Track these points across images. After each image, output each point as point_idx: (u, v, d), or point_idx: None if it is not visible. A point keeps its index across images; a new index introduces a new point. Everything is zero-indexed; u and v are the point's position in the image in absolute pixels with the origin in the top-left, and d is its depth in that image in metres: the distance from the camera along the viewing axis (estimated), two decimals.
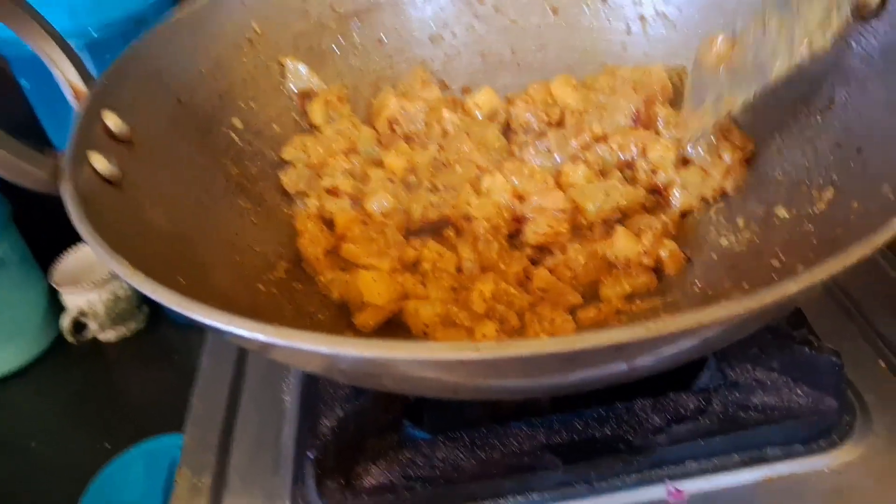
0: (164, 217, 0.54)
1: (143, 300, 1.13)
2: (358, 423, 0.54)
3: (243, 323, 0.35)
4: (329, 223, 0.64)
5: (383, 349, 0.33)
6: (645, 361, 0.37)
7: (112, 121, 0.55)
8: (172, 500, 0.56)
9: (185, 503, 0.56)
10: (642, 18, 0.74)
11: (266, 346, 0.36)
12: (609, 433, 0.53)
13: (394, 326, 0.57)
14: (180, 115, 0.63)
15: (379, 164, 0.68)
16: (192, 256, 0.54)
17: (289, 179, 0.67)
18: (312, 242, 0.61)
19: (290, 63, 0.72)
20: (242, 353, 0.67)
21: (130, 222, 0.50)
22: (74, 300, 1.06)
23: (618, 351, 0.33)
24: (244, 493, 0.56)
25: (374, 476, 0.53)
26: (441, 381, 0.39)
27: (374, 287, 0.54)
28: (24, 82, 0.96)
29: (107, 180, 0.51)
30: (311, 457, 0.51)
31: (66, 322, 1.05)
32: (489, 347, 0.31)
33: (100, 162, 0.51)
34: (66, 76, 0.57)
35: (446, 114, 0.70)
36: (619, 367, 0.37)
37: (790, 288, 0.33)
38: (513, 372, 0.35)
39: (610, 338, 0.32)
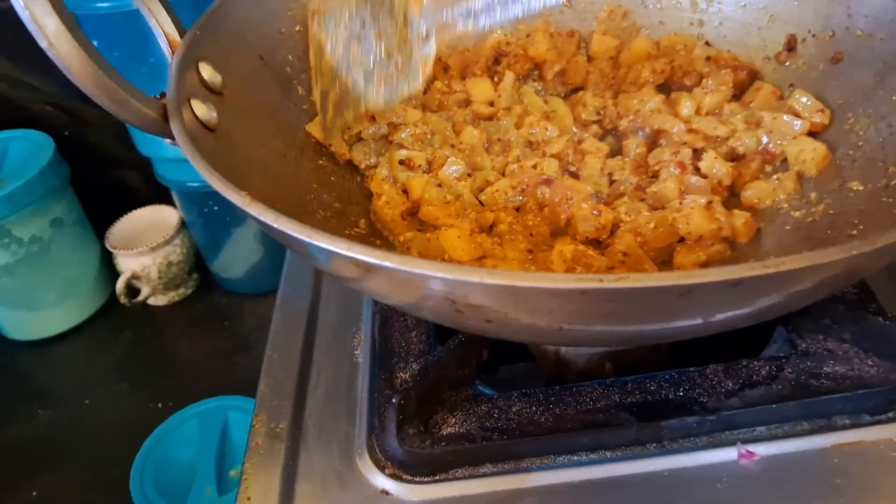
0: (255, 166, 0.56)
1: (195, 267, 1.16)
2: (433, 378, 0.55)
3: (367, 250, 0.36)
4: (402, 188, 0.66)
5: (506, 278, 0.34)
6: (747, 306, 0.38)
7: (207, 71, 0.57)
8: (251, 442, 0.58)
9: (264, 447, 0.57)
10: None
11: (386, 271, 0.37)
12: (682, 395, 0.54)
13: None
14: (262, 72, 0.65)
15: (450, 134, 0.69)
16: (281, 206, 0.55)
17: (357, 154, 0.68)
18: (389, 205, 0.62)
19: None
20: (314, 308, 0.69)
21: (227, 167, 0.51)
22: (128, 263, 1.09)
23: (734, 287, 0.34)
24: (321, 440, 0.58)
25: (451, 425, 0.54)
26: (544, 318, 0.40)
27: (459, 244, 0.55)
28: (94, 41, 0.98)
29: (206, 126, 0.53)
30: (395, 402, 0.52)
31: (119, 284, 1.07)
32: (612, 279, 0.33)
33: (200, 108, 0.53)
34: (162, 26, 0.59)
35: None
36: (720, 312, 0.38)
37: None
38: (626, 307, 0.36)
39: (725, 273, 0.33)
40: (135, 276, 1.11)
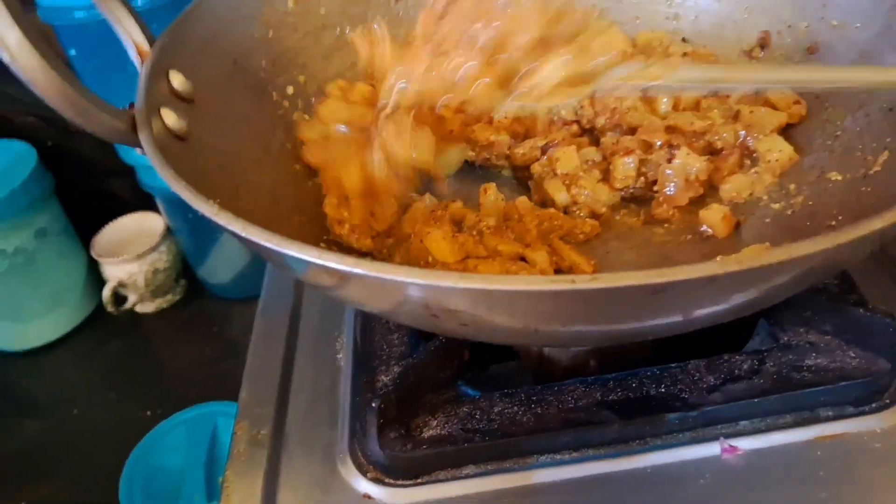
0: (228, 173, 0.56)
1: (182, 273, 1.16)
2: (415, 380, 0.55)
3: (339, 258, 0.36)
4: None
5: (478, 281, 0.34)
6: (724, 302, 0.38)
7: (177, 80, 0.56)
8: (233, 450, 0.57)
9: (246, 454, 0.57)
10: None
11: (358, 279, 0.37)
12: (664, 391, 0.54)
13: None
14: (236, 77, 0.64)
15: None
16: (255, 213, 0.55)
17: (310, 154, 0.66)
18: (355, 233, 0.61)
19: None
20: (295, 312, 0.69)
21: (199, 176, 0.51)
22: (114, 271, 1.08)
23: (709, 283, 0.34)
24: (303, 445, 0.57)
25: (433, 428, 0.54)
26: (516, 325, 0.40)
27: (444, 246, 0.55)
28: (71, 52, 0.98)
29: (175, 135, 0.52)
30: (375, 406, 0.52)
31: (106, 293, 1.07)
32: (585, 280, 0.32)
33: (170, 117, 0.52)
34: (132, 36, 0.58)
35: None
36: (695, 308, 0.38)
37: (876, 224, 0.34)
38: (601, 307, 0.36)
39: (697, 270, 0.33)
40: (121, 284, 1.11)
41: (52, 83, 0.45)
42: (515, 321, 0.38)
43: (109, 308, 1.08)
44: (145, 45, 0.58)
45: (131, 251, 1.06)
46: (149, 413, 0.99)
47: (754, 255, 0.32)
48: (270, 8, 0.70)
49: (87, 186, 1.05)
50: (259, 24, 0.68)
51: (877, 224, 0.33)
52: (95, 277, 1.14)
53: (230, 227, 0.39)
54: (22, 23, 0.44)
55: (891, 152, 0.53)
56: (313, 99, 0.71)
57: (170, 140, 0.52)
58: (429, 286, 0.35)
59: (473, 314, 0.38)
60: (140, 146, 0.48)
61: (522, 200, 0.64)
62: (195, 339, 1.11)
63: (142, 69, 0.56)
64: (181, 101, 0.56)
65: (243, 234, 0.39)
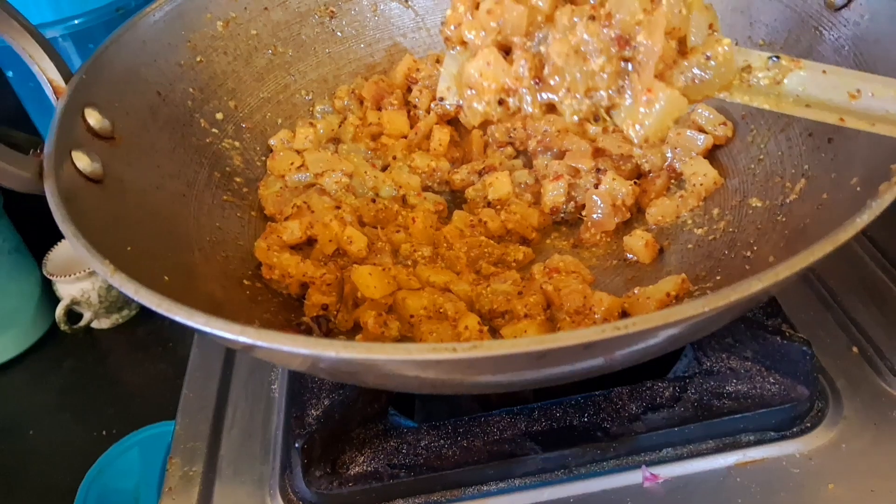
0: (148, 212, 0.55)
1: None
2: (343, 413, 0.55)
3: (225, 325, 0.36)
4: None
5: (363, 351, 0.34)
6: (615, 357, 0.38)
7: (94, 118, 0.56)
8: (164, 489, 0.57)
9: (178, 492, 0.57)
10: None
11: (249, 347, 0.37)
12: (587, 421, 0.54)
13: None
14: (160, 108, 0.63)
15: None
16: (176, 252, 0.54)
17: (272, 205, 0.65)
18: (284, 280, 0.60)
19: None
20: None
21: (114, 220, 0.51)
22: (68, 289, 1.07)
23: (586, 349, 0.34)
24: (234, 482, 0.57)
25: (359, 464, 0.54)
26: (421, 379, 0.40)
27: (371, 281, 0.55)
28: (9, 73, 0.96)
29: (89, 178, 0.52)
30: (298, 446, 0.52)
31: (59, 311, 1.06)
32: (463, 348, 0.32)
33: (82, 160, 0.52)
34: (46, 73, 0.57)
35: None
36: (590, 363, 0.38)
37: (754, 286, 0.34)
38: (488, 369, 0.36)
39: (578, 337, 0.33)
40: (75, 302, 1.09)
41: None
42: (410, 381, 0.38)
43: (63, 327, 1.06)
44: (61, 82, 0.57)
45: (84, 268, 1.05)
46: (104, 433, 0.98)
47: (630, 321, 0.32)
48: (199, 33, 0.69)
49: (39, 204, 1.03)
50: (186, 51, 0.68)
51: (755, 286, 0.33)
52: (49, 296, 1.12)
53: (123, 290, 0.39)
54: None
55: (807, 180, 0.53)
56: (244, 124, 0.70)
57: (83, 184, 0.51)
58: (316, 355, 0.35)
59: (373, 376, 0.38)
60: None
61: (458, 219, 0.64)
62: (150, 356, 1.10)
63: (56, 109, 0.55)
64: (99, 139, 0.56)
65: (135, 298, 0.38)
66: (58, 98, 0.56)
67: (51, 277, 1.06)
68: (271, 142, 0.70)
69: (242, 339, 0.35)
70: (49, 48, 0.58)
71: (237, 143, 0.68)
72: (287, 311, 0.57)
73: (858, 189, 0.45)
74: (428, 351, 0.33)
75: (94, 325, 1.11)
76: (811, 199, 0.51)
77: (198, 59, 0.68)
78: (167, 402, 0.87)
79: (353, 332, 0.56)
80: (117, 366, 1.11)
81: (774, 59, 0.44)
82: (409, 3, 0.78)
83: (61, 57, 0.59)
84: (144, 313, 1.17)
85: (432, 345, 0.33)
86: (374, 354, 0.34)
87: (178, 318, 0.37)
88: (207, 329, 0.36)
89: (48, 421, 1.03)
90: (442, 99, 0.48)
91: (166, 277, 0.48)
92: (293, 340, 0.35)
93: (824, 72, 0.43)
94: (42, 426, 1.02)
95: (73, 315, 1.08)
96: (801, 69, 0.43)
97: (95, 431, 0.97)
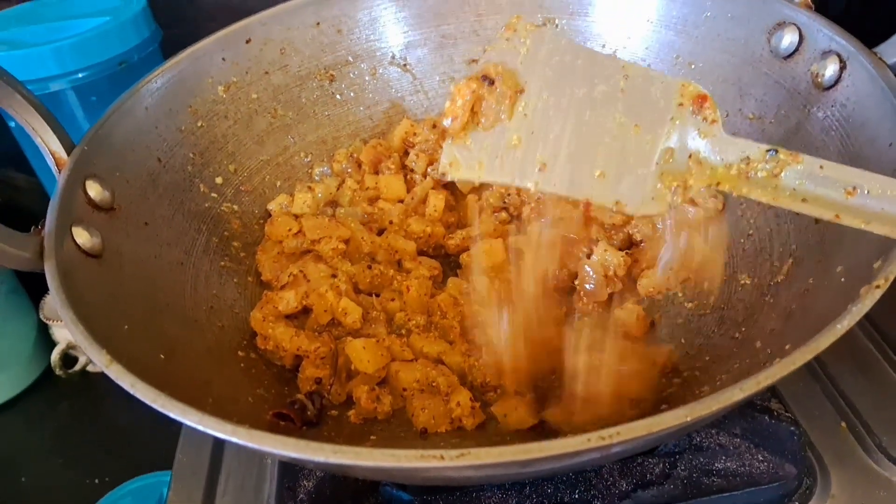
0: (145, 284, 0.56)
1: None
2: (335, 487, 0.55)
3: (218, 425, 0.36)
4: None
5: (348, 456, 0.34)
6: (598, 458, 0.39)
7: (94, 190, 0.57)
8: None
9: None
10: None
11: (240, 446, 0.37)
12: (578, 498, 0.54)
13: None
14: (160, 175, 0.64)
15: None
16: (173, 325, 0.55)
17: (269, 271, 0.66)
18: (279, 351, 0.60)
19: None
20: None
21: (111, 296, 0.51)
22: (64, 333, 1.08)
23: (569, 457, 0.34)
24: None
25: None
26: (410, 477, 0.40)
27: (364, 356, 0.55)
28: (11, 123, 0.97)
29: (88, 254, 0.52)
30: None
31: (55, 355, 1.06)
32: (450, 456, 0.33)
33: (82, 236, 0.52)
34: (48, 145, 0.58)
35: None
36: (573, 463, 0.39)
37: (734, 395, 0.35)
38: (475, 472, 0.37)
39: (561, 446, 0.33)
40: (71, 346, 1.10)
41: None
42: (401, 477, 0.39)
43: (59, 371, 1.07)
44: (62, 154, 0.58)
45: None
46: (97, 481, 0.98)
47: (606, 432, 0.32)
48: (200, 98, 0.70)
49: None
50: (187, 116, 0.69)
51: (737, 395, 0.34)
52: (45, 339, 1.13)
53: (118, 382, 0.40)
54: None
55: (794, 261, 0.54)
56: (243, 188, 0.71)
57: (82, 261, 0.52)
58: (300, 458, 0.35)
59: (363, 472, 0.39)
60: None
61: (452, 286, 0.65)
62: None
63: (58, 182, 0.56)
64: (100, 211, 0.56)
65: (131, 391, 0.39)
66: (59, 170, 0.57)
67: (47, 322, 1.07)
68: (270, 206, 0.71)
69: (234, 439, 0.36)
70: (51, 119, 0.59)
71: (236, 207, 0.69)
72: (281, 383, 0.58)
73: (843, 280, 0.46)
74: (416, 458, 0.34)
75: (90, 368, 1.11)
76: (798, 282, 0.52)
77: (199, 123, 0.69)
78: (162, 450, 0.87)
79: (347, 405, 0.57)
80: (112, 411, 1.11)
81: (773, 152, 0.45)
82: (408, 67, 0.79)
83: (62, 127, 0.59)
84: None
85: (420, 451, 0.34)
86: (362, 461, 0.34)
87: (172, 415, 0.37)
88: (201, 427, 0.37)
89: (41, 466, 1.03)
90: (444, 174, 0.49)
91: (162, 356, 0.49)
92: (283, 443, 0.35)
93: (821, 167, 0.44)
94: (34, 471, 1.02)
95: (68, 359, 1.09)
96: (798, 164, 0.44)
97: (88, 479, 0.96)
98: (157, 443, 0.94)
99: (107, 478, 0.98)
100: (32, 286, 1.19)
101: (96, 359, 0.41)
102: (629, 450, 0.40)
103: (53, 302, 0.45)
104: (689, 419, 0.34)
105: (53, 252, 0.49)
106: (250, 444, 0.35)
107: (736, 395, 0.35)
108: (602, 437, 0.33)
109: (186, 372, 0.50)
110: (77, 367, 1.10)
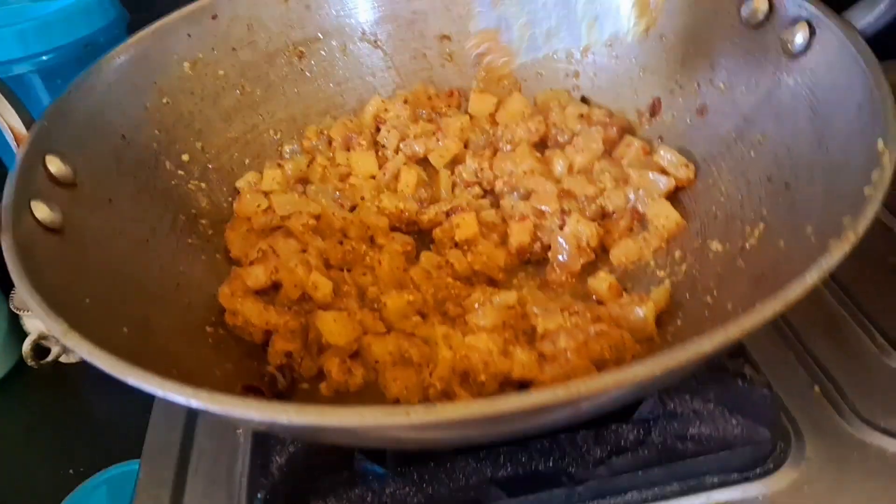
0: (109, 260, 0.55)
1: None
2: (308, 461, 0.55)
3: (179, 388, 0.35)
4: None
5: (316, 415, 0.34)
6: (569, 414, 0.38)
7: (55, 165, 0.55)
8: None
9: None
10: None
11: (203, 411, 0.36)
12: (552, 465, 0.54)
13: None
14: (124, 152, 0.63)
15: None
16: (138, 301, 0.54)
17: (238, 249, 0.65)
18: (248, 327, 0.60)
19: None
20: None
21: (72, 271, 0.50)
22: (35, 324, 1.06)
23: (539, 411, 0.34)
24: None
25: None
26: (379, 439, 0.40)
27: (335, 328, 0.55)
28: None
29: (48, 228, 0.51)
30: (260, 497, 0.51)
31: (26, 346, 1.04)
32: (417, 412, 0.33)
33: (42, 211, 0.51)
34: (6, 120, 0.57)
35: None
36: (544, 419, 0.38)
37: (703, 347, 0.35)
38: (444, 431, 0.36)
39: (530, 400, 0.33)
40: (42, 337, 1.07)
41: None
42: (374, 441, 0.38)
43: (30, 362, 1.04)
44: (21, 129, 0.57)
45: None
46: (72, 471, 0.96)
47: (574, 384, 0.32)
48: (165, 74, 0.69)
49: None
50: (152, 93, 0.68)
51: (705, 346, 0.34)
52: (16, 331, 1.11)
53: (76, 351, 0.39)
54: None
55: (766, 225, 0.54)
56: (210, 165, 0.70)
57: (42, 235, 0.50)
58: (269, 422, 0.35)
59: (331, 437, 0.38)
60: None
61: (425, 260, 0.64)
62: (121, 391, 1.07)
63: (17, 156, 0.54)
64: (60, 187, 0.55)
65: (89, 359, 0.38)
66: (18, 146, 0.56)
67: (17, 312, 1.05)
68: (238, 184, 0.70)
69: (195, 402, 0.35)
70: (9, 93, 0.58)
71: (203, 185, 0.68)
72: (250, 358, 0.57)
73: (813, 239, 0.46)
74: (382, 416, 0.33)
75: (63, 359, 1.09)
76: (769, 245, 0.52)
77: (164, 100, 0.68)
78: (137, 439, 0.86)
79: (318, 378, 0.56)
80: (86, 401, 1.09)
81: None
82: (378, 43, 0.78)
83: (21, 102, 0.58)
84: None
85: (386, 408, 0.33)
86: (327, 420, 0.34)
87: (131, 382, 0.37)
88: (161, 393, 0.36)
89: (14, 458, 1.01)
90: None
91: (125, 329, 0.48)
92: (246, 405, 0.34)
93: None
94: (8, 464, 1.00)
95: (40, 350, 1.07)
96: None
97: (62, 470, 0.95)
98: (131, 432, 0.93)
99: (81, 468, 0.96)
100: (1, 278, 1.16)
101: (52, 327, 0.40)
102: (600, 406, 0.40)
103: (12, 273, 0.44)
104: (657, 372, 0.33)
105: (11, 225, 0.48)
106: (212, 408, 0.35)
107: (704, 347, 0.34)
108: (569, 388, 0.33)
109: (152, 347, 0.49)
110: (49, 358, 1.09)
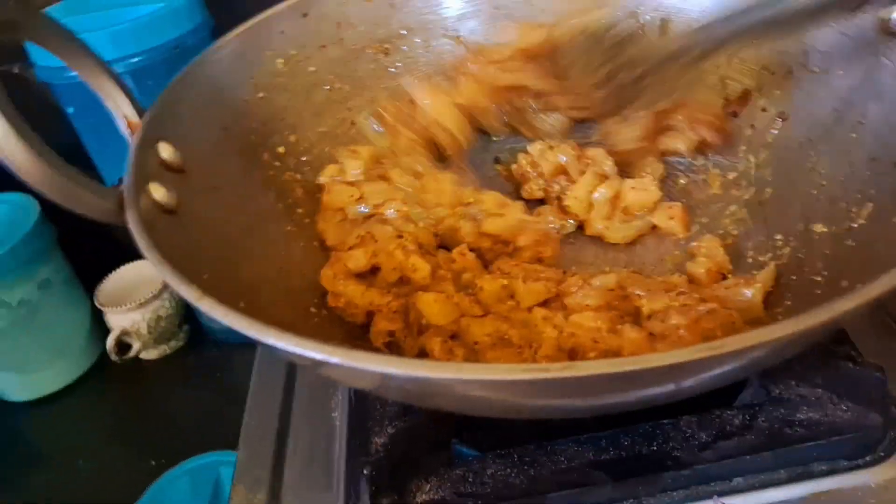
0: (218, 244, 0.56)
1: (185, 319, 1.17)
2: (409, 441, 0.55)
3: (315, 346, 0.36)
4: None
5: (433, 370, 0.34)
6: (695, 381, 0.38)
7: (167, 152, 0.57)
8: None
9: None
10: None
11: (326, 365, 0.37)
12: (656, 449, 0.54)
13: None
14: (225, 143, 0.65)
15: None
16: (247, 282, 0.55)
17: (334, 237, 0.66)
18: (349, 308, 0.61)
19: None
20: (291, 370, 0.69)
21: (188, 249, 0.52)
22: (118, 320, 1.10)
23: (671, 370, 0.34)
24: None
25: (425, 492, 0.53)
26: (492, 401, 0.40)
27: (435, 308, 0.55)
28: (69, 109, 1.00)
29: (165, 208, 0.53)
30: (367, 473, 0.52)
31: (110, 341, 1.08)
32: (556, 368, 0.33)
33: (158, 191, 0.53)
34: (120, 108, 0.59)
35: None
36: (668, 387, 0.38)
37: (838, 308, 0.34)
38: (565, 392, 0.36)
39: (662, 359, 0.33)
40: (125, 333, 1.11)
41: (38, 171, 0.46)
42: (496, 404, 0.39)
43: (113, 357, 1.08)
44: (135, 118, 0.59)
45: (134, 299, 1.07)
46: (153, 463, 0.99)
47: (714, 344, 0.32)
48: (261, 70, 0.71)
49: (90, 236, 1.07)
50: (249, 87, 0.70)
51: (839, 308, 0.33)
52: (99, 326, 1.15)
53: (212, 314, 0.40)
54: (7, 112, 0.45)
55: (875, 204, 0.53)
56: (304, 157, 0.72)
57: (159, 215, 0.52)
58: (395, 375, 0.35)
59: (451, 398, 0.39)
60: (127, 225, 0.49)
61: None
62: (199, 385, 1.11)
63: (131, 143, 0.57)
64: (171, 172, 0.57)
65: (223, 321, 0.39)
66: (132, 133, 0.58)
67: (102, 308, 1.09)
68: (320, 179, 0.71)
69: (334, 359, 0.36)
70: (123, 84, 0.60)
71: (298, 176, 0.70)
72: (353, 338, 0.58)
73: None
74: (520, 372, 0.33)
75: (143, 355, 1.13)
76: (880, 222, 0.51)
77: (259, 95, 0.70)
78: (215, 432, 0.89)
79: (419, 358, 0.57)
80: (166, 395, 1.12)
81: None
82: (461, 39, 0.79)
83: (133, 93, 0.61)
84: (192, 344, 1.19)
85: (526, 366, 0.33)
86: (456, 374, 0.34)
87: (269, 341, 0.38)
88: (300, 350, 0.37)
89: (97, 450, 1.04)
90: None
91: (242, 304, 0.49)
92: (387, 361, 0.35)
93: None
94: (91, 456, 1.03)
95: (122, 345, 1.11)
96: None
97: (144, 461, 0.98)
98: (209, 426, 0.96)
99: (163, 459, 0.99)
100: (86, 276, 1.21)
101: (187, 294, 0.41)
102: (723, 376, 0.39)
103: (141, 246, 0.46)
104: (799, 328, 0.33)
105: (134, 203, 0.50)
106: (355, 365, 0.35)
107: (846, 305, 0.34)
108: (711, 348, 0.33)
109: (267, 319, 0.50)
110: (131, 354, 1.12)
